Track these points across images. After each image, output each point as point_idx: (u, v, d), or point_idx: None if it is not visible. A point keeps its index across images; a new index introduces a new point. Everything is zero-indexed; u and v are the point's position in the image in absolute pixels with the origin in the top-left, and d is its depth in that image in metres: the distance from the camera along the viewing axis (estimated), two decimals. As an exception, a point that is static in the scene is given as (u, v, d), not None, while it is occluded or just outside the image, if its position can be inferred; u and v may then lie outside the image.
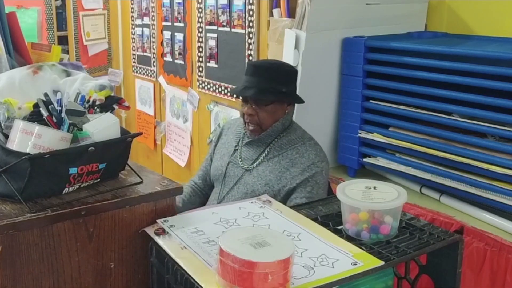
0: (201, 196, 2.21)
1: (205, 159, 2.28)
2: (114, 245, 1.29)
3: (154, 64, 3.89)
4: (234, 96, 3.03)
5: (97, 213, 1.25)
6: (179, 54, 3.54)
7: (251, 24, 2.83)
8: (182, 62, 3.52)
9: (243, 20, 2.89)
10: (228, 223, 1.32)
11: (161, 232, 1.26)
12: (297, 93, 2.10)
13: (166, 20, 3.66)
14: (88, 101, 1.38)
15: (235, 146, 2.10)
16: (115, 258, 1.30)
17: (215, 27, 3.13)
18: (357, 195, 1.27)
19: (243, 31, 2.90)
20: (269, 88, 1.96)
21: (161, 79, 3.82)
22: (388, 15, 2.64)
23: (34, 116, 1.32)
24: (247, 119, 2.01)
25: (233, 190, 2.03)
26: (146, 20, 3.90)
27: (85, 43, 4.21)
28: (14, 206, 1.20)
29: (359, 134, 2.43)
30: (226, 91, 3.13)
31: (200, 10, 3.24)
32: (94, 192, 1.30)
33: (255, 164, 2.02)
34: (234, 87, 2.90)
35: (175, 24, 3.55)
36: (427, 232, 1.30)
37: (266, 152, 2.02)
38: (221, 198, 2.06)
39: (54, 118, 1.29)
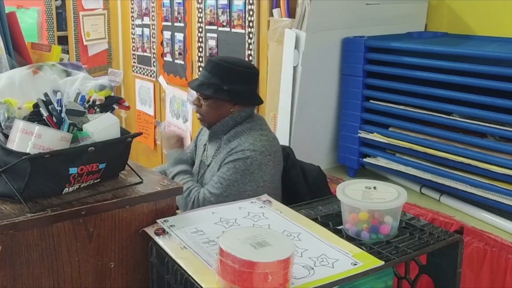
0: None
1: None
2: (114, 245, 1.29)
3: (154, 64, 3.89)
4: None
5: (97, 213, 1.25)
6: (179, 54, 3.54)
7: (251, 24, 2.83)
8: (182, 62, 3.52)
9: (243, 20, 2.89)
10: (228, 223, 1.32)
11: (161, 232, 1.26)
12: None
13: (166, 20, 3.66)
14: (88, 101, 1.38)
15: (204, 145, 2.14)
16: (115, 258, 1.30)
17: (215, 27, 3.13)
18: (357, 195, 1.27)
19: (243, 31, 2.90)
20: (209, 83, 1.97)
21: (161, 79, 3.82)
22: (388, 15, 2.64)
23: (34, 116, 1.32)
24: (194, 109, 2.08)
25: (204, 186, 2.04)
26: (146, 20, 3.90)
27: (85, 43, 4.21)
28: (14, 206, 1.20)
29: (359, 134, 2.43)
30: (226, 91, 3.13)
31: (200, 10, 3.24)
32: (94, 192, 1.29)
33: (211, 159, 2.05)
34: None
35: (175, 24, 3.55)
36: (427, 232, 1.30)
37: (219, 146, 2.04)
38: None
39: (54, 118, 1.29)
